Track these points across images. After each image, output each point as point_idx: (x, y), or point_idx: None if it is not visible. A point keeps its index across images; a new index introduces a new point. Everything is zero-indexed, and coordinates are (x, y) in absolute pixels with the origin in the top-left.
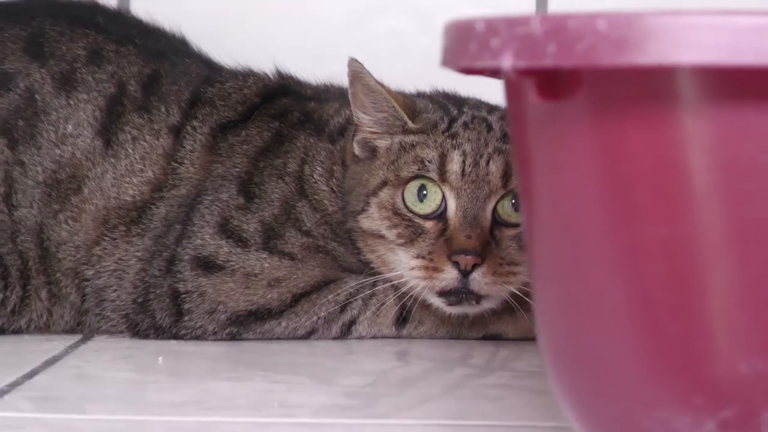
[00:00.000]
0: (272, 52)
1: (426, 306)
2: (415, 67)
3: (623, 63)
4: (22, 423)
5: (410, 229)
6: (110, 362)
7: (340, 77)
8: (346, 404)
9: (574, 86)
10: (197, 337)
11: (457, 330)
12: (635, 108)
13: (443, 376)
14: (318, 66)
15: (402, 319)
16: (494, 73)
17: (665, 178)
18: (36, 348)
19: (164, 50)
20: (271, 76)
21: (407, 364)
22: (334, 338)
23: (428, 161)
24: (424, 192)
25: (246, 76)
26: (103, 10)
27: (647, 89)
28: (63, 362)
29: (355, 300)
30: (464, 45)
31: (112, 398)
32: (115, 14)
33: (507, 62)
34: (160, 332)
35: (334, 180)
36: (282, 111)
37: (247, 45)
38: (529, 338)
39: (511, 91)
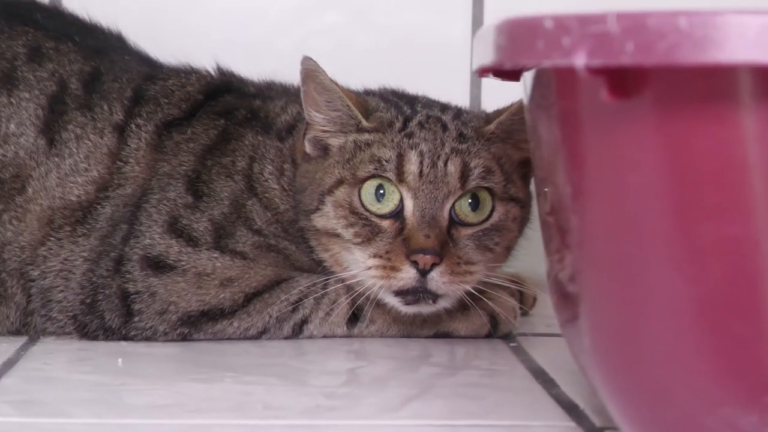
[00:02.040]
0: (208, 48)
1: (377, 305)
2: (353, 63)
3: (705, 61)
4: (13, 428)
5: (367, 228)
6: (69, 364)
7: (278, 74)
8: (330, 405)
9: (641, 85)
10: (147, 338)
11: (409, 328)
12: (704, 107)
13: (411, 375)
14: (256, 63)
15: (353, 318)
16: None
17: (732, 178)
18: None
19: (103, 47)
20: (213, 73)
21: (371, 363)
22: (285, 338)
23: (385, 161)
24: (382, 192)
25: (188, 73)
26: (41, 7)
27: (717, 88)
28: (21, 365)
29: (307, 299)
30: (529, 43)
31: (92, 401)
32: (53, 11)
33: (580, 60)
34: (109, 333)
35: (284, 178)
36: (227, 108)
37: (183, 41)
38: (479, 336)
39: (565, 89)
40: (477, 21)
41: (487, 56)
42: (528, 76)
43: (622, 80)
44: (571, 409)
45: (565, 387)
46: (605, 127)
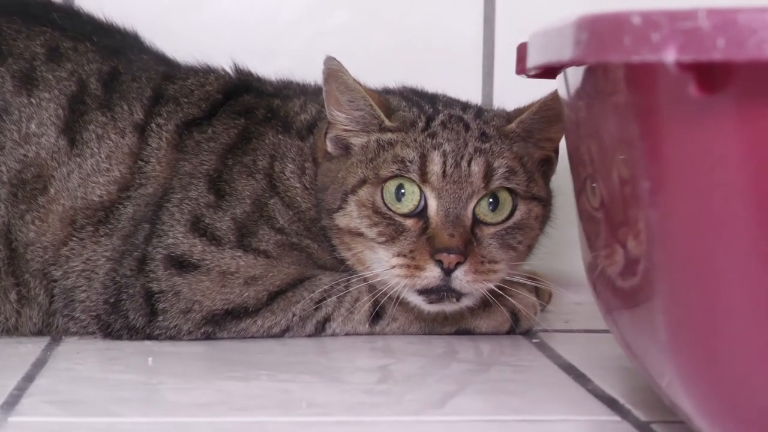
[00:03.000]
0: (219, 47)
1: (399, 303)
2: (364, 62)
3: None
4: (64, 427)
5: (391, 228)
6: (100, 364)
7: (289, 73)
8: (373, 402)
9: (727, 80)
10: (172, 337)
11: (430, 326)
12: None
13: (444, 372)
14: (267, 62)
15: (375, 315)
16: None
17: None
18: (12, 351)
19: (120, 47)
20: (231, 73)
21: (399, 361)
22: (308, 336)
23: (409, 161)
24: (402, 191)
25: (206, 72)
26: (57, 7)
27: None
28: (51, 365)
29: (330, 298)
30: (616, 39)
31: (135, 400)
32: (69, 11)
33: (670, 56)
34: (133, 333)
35: (306, 177)
36: (246, 108)
37: (193, 40)
38: (500, 332)
39: (644, 85)
40: (488, 19)
41: (559, 53)
42: (573, 72)
43: (710, 76)
44: (611, 403)
45: (599, 382)
46: (690, 122)
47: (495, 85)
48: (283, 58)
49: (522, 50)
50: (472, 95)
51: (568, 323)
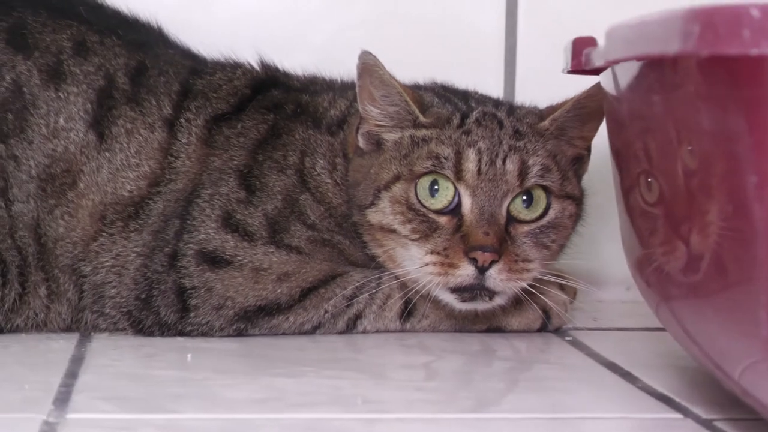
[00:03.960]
0: (239, 41)
1: (430, 300)
2: (384, 56)
3: None
4: (125, 424)
5: (425, 225)
6: (139, 360)
7: (310, 67)
8: (427, 399)
9: None
10: (203, 334)
11: (461, 324)
12: None
13: (488, 370)
14: (287, 56)
15: (406, 313)
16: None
17: None
18: (45, 347)
19: (146, 41)
20: (257, 68)
21: (439, 358)
22: (339, 333)
23: (444, 158)
24: (436, 187)
25: (233, 67)
26: (83, 1)
27: None
28: (90, 362)
29: (362, 294)
30: (734, 32)
31: (188, 396)
32: (94, 4)
33: None
34: (165, 329)
35: (337, 173)
36: (275, 103)
37: (214, 34)
38: (531, 330)
39: (755, 78)
40: (511, 13)
41: (659, 45)
42: (626, 68)
43: None
44: (667, 401)
45: (648, 380)
46: None
47: (517, 81)
48: (303, 53)
49: (578, 45)
50: (493, 90)
51: (596, 321)
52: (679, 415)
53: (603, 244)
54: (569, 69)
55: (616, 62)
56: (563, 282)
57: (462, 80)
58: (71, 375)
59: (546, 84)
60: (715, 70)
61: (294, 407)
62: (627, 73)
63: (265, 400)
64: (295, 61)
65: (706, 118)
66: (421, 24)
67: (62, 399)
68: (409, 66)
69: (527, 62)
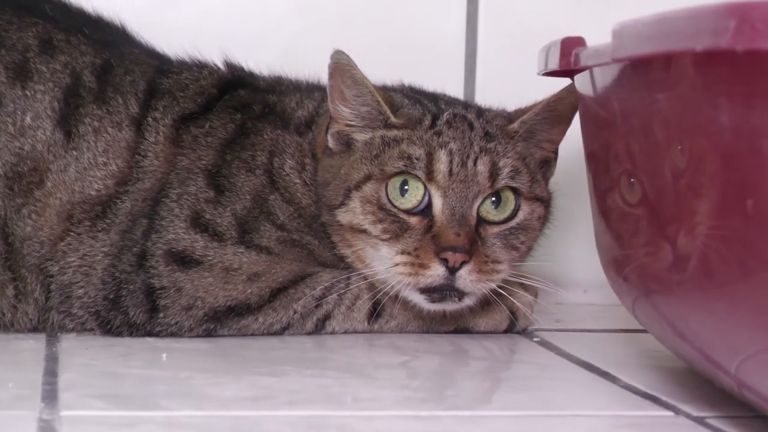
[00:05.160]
0: (203, 40)
1: (398, 301)
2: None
3: None
4: (126, 420)
5: (396, 225)
6: (116, 359)
7: (274, 68)
8: (419, 397)
9: None
10: (172, 334)
11: (429, 324)
12: None
13: (468, 369)
14: (251, 56)
15: (374, 314)
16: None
17: None
18: (15, 347)
19: (111, 40)
20: (223, 68)
21: (415, 358)
22: (308, 333)
23: (415, 158)
24: (406, 187)
25: (200, 67)
26: None
27: None
28: (66, 361)
29: (331, 295)
30: None
31: (178, 395)
32: (60, 3)
33: None
34: (134, 329)
35: (306, 173)
36: (242, 103)
37: (178, 33)
38: (498, 331)
39: None
40: (471, 17)
41: (686, 41)
42: (608, 70)
43: None
44: (654, 399)
45: (627, 379)
46: None
47: (477, 84)
48: (268, 53)
49: (567, 45)
50: (454, 93)
51: (560, 322)
52: (669, 413)
53: (561, 247)
54: (560, 67)
55: (627, 60)
56: (526, 282)
57: (423, 82)
58: (51, 373)
59: (506, 87)
60: (742, 66)
61: (288, 405)
62: (608, 74)
63: (256, 398)
64: (259, 61)
65: (725, 115)
66: (386, 28)
67: (50, 397)
68: (372, 67)
69: (487, 66)
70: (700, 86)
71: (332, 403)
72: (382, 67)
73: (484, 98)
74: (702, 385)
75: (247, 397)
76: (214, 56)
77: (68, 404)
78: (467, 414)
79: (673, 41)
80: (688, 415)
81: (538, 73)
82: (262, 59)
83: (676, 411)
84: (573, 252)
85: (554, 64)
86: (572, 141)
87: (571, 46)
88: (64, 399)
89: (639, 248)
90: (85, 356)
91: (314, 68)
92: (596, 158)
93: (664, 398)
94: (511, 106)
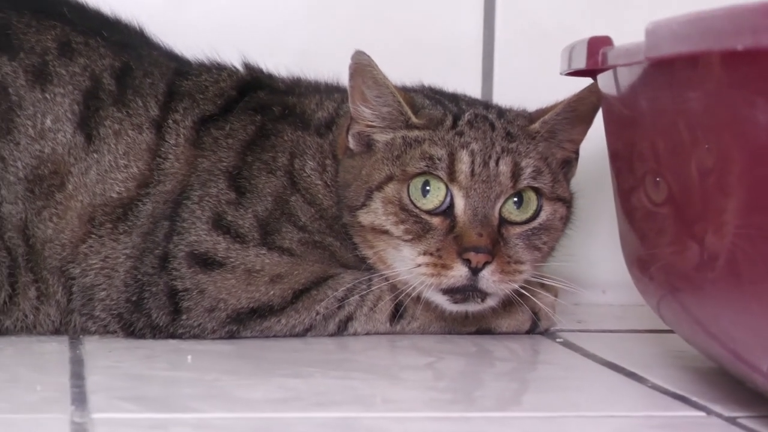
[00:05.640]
0: (217, 42)
1: (420, 302)
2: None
3: None
4: (157, 423)
5: (418, 225)
6: (141, 361)
7: (289, 69)
8: (446, 398)
9: None
10: (195, 336)
11: (451, 325)
12: None
13: (493, 370)
14: (265, 58)
15: (396, 315)
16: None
17: None
18: (39, 349)
19: (130, 42)
20: (242, 69)
21: (439, 359)
22: (330, 335)
23: (437, 159)
24: (427, 188)
25: (218, 69)
26: (66, 2)
27: None
28: (91, 363)
29: (353, 296)
30: None
31: (207, 397)
32: (77, 5)
33: None
34: (156, 331)
35: (327, 174)
36: (262, 105)
37: (194, 35)
38: (520, 332)
39: None
40: (488, 19)
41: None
42: (634, 69)
43: None
44: (684, 400)
45: (655, 380)
46: None
47: (494, 85)
48: (282, 55)
49: (594, 44)
50: (471, 93)
51: (581, 323)
52: (701, 413)
53: (580, 248)
54: (587, 66)
55: (663, 59)
56: (546, 282)
57: (441, 83)
58: (78, 376)
59: (523, 87)
60: None
61: (317, 406)
62: (633, 73)
63: (285, 399)
64: (274, 63)
65: (761, 113)
66: (402, 29)
67: (80, 399)
68: (389, 68)
69: (505, 66)
70: (735, 84)
71: (361, 405)
72: (399, 67)
73: (501, 98)
74: (731, 385)
75: (276, 398)
76: (232, 57)
77: (98, 407)
78: (498, 415)
79: (711, 40)
80: (719, 416)
81: (561, 73)
82: (277, 61)
83: (708, 411)
84: (592, 252)
85: (580, 64)
86: (592, 141)
87: (598, 45)
88: (94, 401)
89: (665, 247)
90: (110, 359)
91: (331, 70)
92: (620, 157)
93: (694, 398)
94: (529, 106)
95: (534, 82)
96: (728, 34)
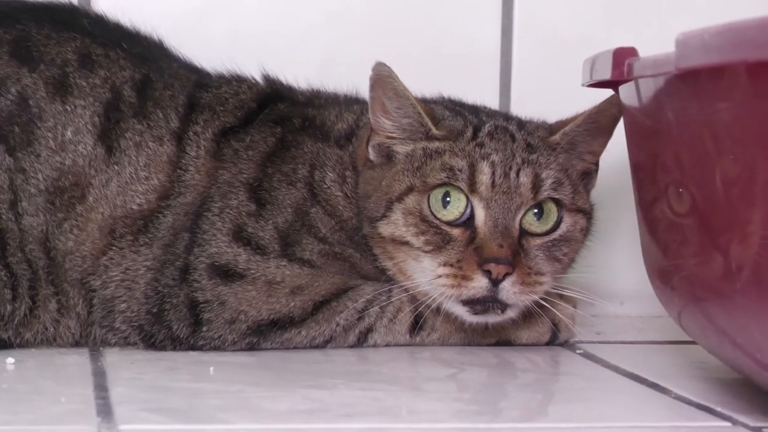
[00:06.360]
0: (234, 54)
1: (441, 313)
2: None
3: None
4: None
5: (438, 237)
6: (164, 373)
7: (307, 80)
8: (471, 409)
9: None
10: (216, 348)
11: (470, 337)
12: None
13: (517, 381)
14: (282, 69)
15: (416, 326)
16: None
17: None
18: (61, 361)
19: (149, 54)
20: (261, 81)
21: (461, 371)
22: (350, 346)
23: (458, 170)
24: (448, 199)
25: (238, 81)
26: (86, 13)
27: None
28: (113, 375)
29: (372, 308)
30: None
31: (232, 408)
32: (97, 17)
33: None
34: (177, 343)
35: (347, 185)
36: (282, 117)
37: (212, 47)
38: (540, 343)
39: None
40: (506, 28)
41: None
42: (658, 80)
43: None
44: (709, 410)
45: (678, 391)
46: None
47: (512, 95)
48: (300, 66)
49: (620, 55)
50: (489, 104)
51: (600, 335)
52: (727, 423)
53: (598, 259)
54: (612, 77)
55: (690, 69)
56: (566, 293)
57: (459, 94)
58: (101, 388)
59: (541, 98)
60: None
61: (345, 417)
62: (657, 84)
63: (312, 411)
64: (293, 75)
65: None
66: (419, 39)
67: (105, 411)
68: (407, 79)
69: (523, 77)
70: (763, 95)
71: (388, 416)
72: (417, 78)
73: (519, 109)
74: (756, 395)
75: (303, 410)
76: (251, 69)
77: (125, 418)
78: (526, 426)
79: (745, 51)
80: (745, 425)
81: (583, 84)
82: (295, 72)
83: (733, 421)
84: (610, 264)
85: (604, 75)
86: (612, 152)
87: (623, 56)
88: (120, 413)
89: (688, 258)
90: (132, 370)
91: (349, 81)
92: (642, 168)
93: (718, 409)
94: (546, 116)
95: (552, 93)
96: (761, 45)
